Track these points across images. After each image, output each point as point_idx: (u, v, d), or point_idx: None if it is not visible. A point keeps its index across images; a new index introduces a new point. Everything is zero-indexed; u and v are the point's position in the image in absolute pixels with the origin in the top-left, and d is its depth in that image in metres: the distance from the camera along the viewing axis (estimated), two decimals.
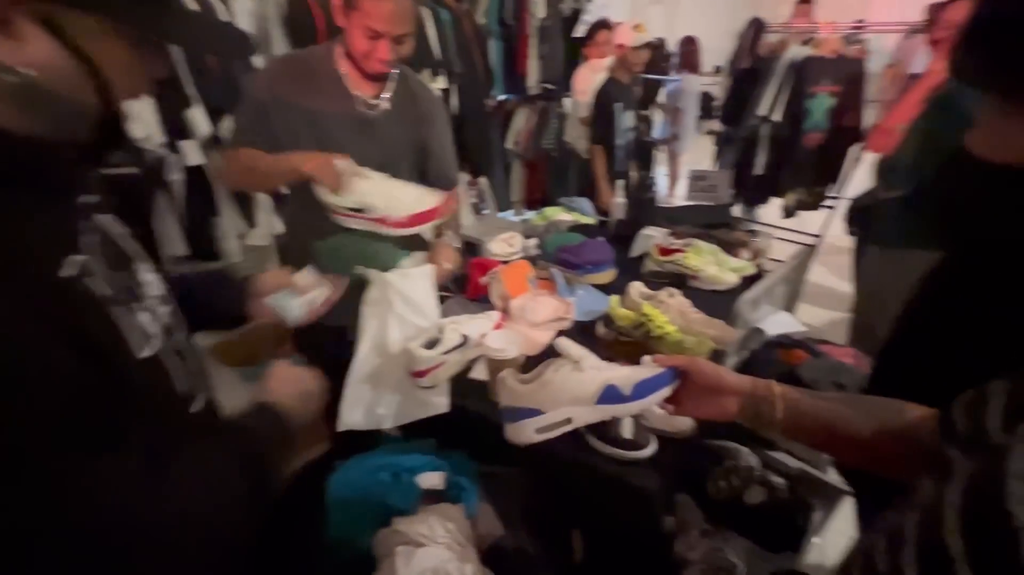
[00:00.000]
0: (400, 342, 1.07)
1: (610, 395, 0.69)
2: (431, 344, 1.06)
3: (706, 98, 5.21)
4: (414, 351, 1.03)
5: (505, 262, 1.43)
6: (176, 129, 1.41)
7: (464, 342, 1.07)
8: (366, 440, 1.03)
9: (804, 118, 2.59)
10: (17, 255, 0.38)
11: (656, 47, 4.44)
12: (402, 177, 1.22)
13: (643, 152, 2.84)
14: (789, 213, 2.91)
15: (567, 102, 3.42)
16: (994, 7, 0.42)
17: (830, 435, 0.58)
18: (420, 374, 1.04)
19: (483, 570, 0.81)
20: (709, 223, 1.80)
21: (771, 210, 3.17)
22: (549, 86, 3.20)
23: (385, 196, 1.11)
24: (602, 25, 2.85)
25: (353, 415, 1.02)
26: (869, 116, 2.75)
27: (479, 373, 1.06)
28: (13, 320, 0.36)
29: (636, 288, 1.24)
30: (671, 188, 5.12)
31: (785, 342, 1.37)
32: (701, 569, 0.88)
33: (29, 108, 0.37)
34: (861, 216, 1.96)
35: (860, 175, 2.11)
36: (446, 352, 1.04)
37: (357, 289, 1.09)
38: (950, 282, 0.73)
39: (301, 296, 0.76)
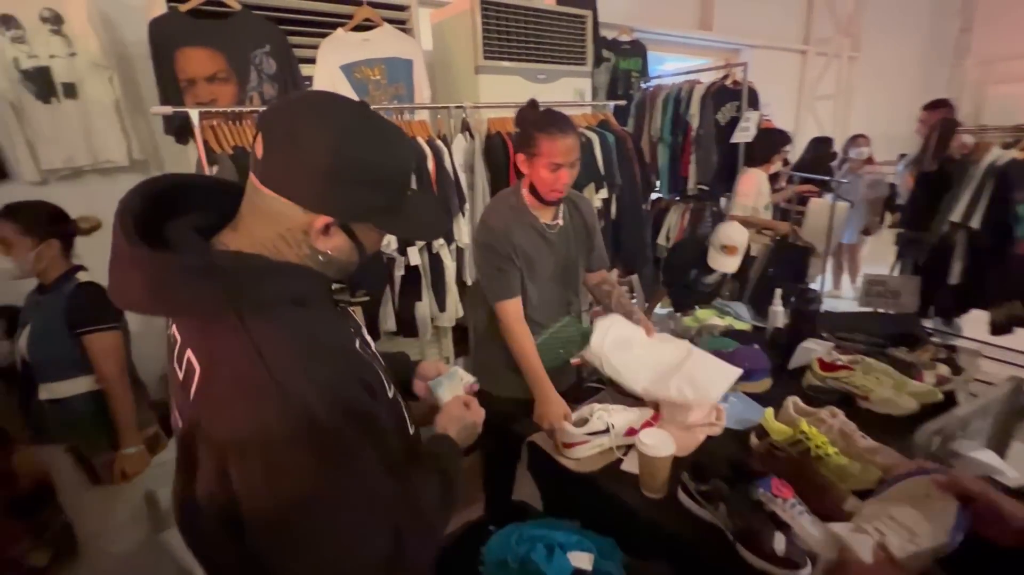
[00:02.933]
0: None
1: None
2: (580, 423, 1.22)
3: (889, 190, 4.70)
4: (565, 427, 1.20)
5: None
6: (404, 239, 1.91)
7: (607, 430, 1.20)
8: (516, 515, 1.18)
9: (1015, 224, 2.27)
10: (343, 339, 0.70)
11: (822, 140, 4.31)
12: (574, 270, 1.56)
13: (797, 263, 2.75)
14: (999, 329, 2.47)
15: (723, 201, 3.49)
16: None
17: None
18: (567, 446, 1.21)
19: None
20: (888, 335, 1.67)
21: (978, 324, 2.71)
22: (703, 187, 3.36)
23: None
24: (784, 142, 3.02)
25: None
26: None
27: (630, 466, 1.15)
28: (347, 379, 0.63)
29: (793, 403, 1.22)
30: (836, 282, 4.65)
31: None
32: None
33: (328, 267, 0.68)
34: None
35: None
36: (590, 434, 1.20)
37: None
38: None
39: (449, 382, 0.94)
